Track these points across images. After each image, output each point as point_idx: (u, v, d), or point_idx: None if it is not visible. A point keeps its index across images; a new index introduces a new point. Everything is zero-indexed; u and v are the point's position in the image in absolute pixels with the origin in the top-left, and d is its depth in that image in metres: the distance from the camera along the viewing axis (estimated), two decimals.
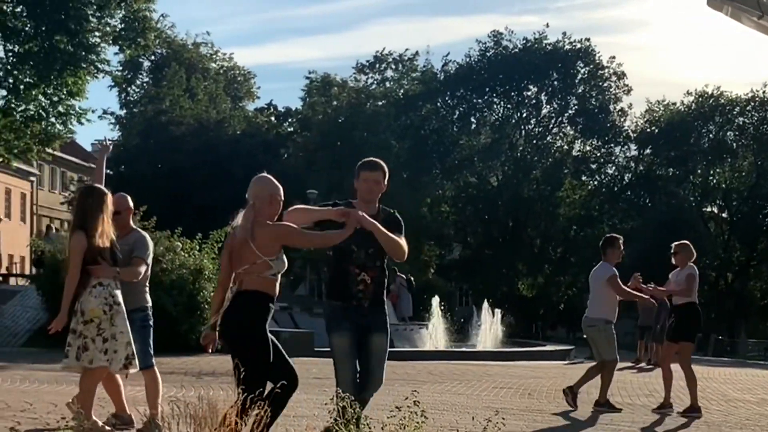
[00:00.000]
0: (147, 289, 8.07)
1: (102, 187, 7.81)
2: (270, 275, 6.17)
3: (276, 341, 6.30)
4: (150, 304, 8.08)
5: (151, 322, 8.02)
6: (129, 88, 57.65)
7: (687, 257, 11.57)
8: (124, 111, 57.10)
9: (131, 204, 8.17)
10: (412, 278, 30.55)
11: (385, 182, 6.60)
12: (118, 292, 7.61)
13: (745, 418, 11.01)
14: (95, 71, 30.62)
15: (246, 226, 6.15)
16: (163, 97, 48.84)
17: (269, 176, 6.46)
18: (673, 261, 11.66)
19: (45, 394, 10.68)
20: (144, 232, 8.26)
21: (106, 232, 7.64)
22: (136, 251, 7.88)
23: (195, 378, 13.00)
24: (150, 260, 8.03)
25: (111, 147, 8.30)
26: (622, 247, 11.56)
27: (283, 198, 6.41)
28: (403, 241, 6.41)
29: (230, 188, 41.57)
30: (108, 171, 38.49)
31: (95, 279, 7.54)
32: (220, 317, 6.24)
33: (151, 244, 8.11)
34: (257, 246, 6.10)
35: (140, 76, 58.31)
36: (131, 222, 8.21)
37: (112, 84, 53.70)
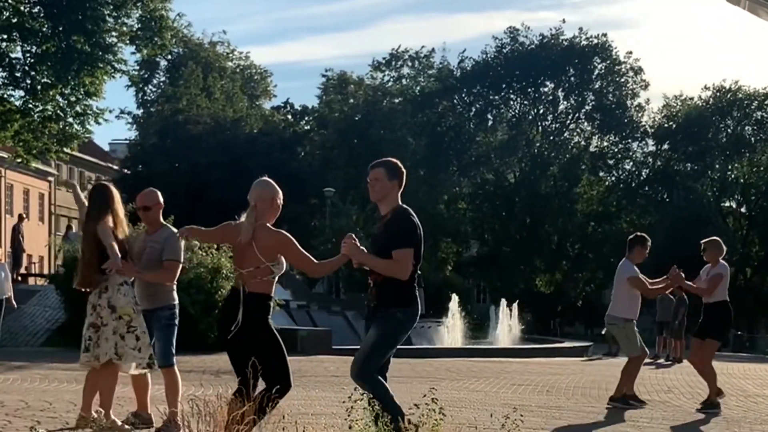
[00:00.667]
0: (175, 287, 7.96)
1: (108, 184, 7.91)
2: (271, 278, 6.34)
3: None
4: (177, 302, 7.96)
5: (176, 321, 7.93)
6: (146, 88, 57.81)
7: (717, 253, 11.51)
8: (141, 110, 57.27)
9: (161, 199, 7.96)
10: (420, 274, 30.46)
11: (394, 179, 6.50)
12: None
13: (765, 414, 10.96)
14: (112, 71, 30.67)
15: (249, 229, 6.30)
16: (179, 97, 48.96)
17: (270, 180, 6.61)
18: (704, 257, 11.60)
19: (64, 393, 10.73)
20: (174, 229, 7.95)
21: (124, 229, 7.74)
22: (167, 251, 7.73)
23: (213, 376, 13.02)
24: (182, 258, 7.95)
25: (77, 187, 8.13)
26: (648, 248, 11.50)
27: (282, 202, 6.55)
28: (396, 261, 6.30)
29: (247, 187, 41.61)
30: (125, 171, 38.53)
31: (120, 277, 7.59)
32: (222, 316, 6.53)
33: (182, 241, 7.94)
34: (258, 249, 6.25)
35: (157, 76, 58.46)
36: (161, 218, 8.03)
37: (129, 84, 53.96)
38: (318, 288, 50.00)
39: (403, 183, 6.58)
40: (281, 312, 22.67)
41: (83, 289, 7.72)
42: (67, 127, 30.73)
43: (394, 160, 6.72)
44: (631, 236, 11.78)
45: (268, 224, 6.38)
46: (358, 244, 6.31)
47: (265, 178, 6.64)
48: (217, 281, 18.58)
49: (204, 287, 17.98)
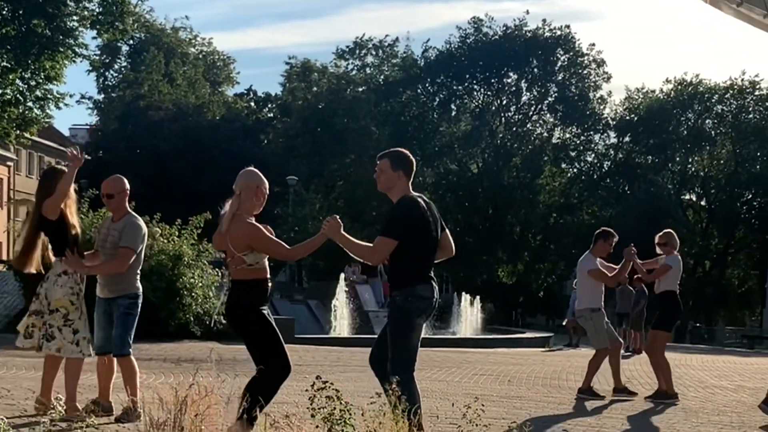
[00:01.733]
0: (138, 276, 7.82)
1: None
2: (247, 266, 6.32)
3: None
4: (140, 292, 7.81)
5: (137, 311, 7.77)
6: (107, 73, 57.33)
7: (672, 246, 11.60)
8: (102, 95, 56.80)
9: (127, 186, 7.80)
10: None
11: (398, 169, 6.50)
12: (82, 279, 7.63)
13: (722, 405, 11.07)
14: (73, 55, 30.40)
15: (227, 219, 6.34)
16: (141, 82, 48.57)
17: (255, 169, 6.60)
18: (658, 251, 11.68)
19: (23, 380, 10.61)
20: (137, 217, 7.85)
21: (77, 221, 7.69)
22: (123, 238, 7.59)
23: (174, 364, 12.94)
24: (141, 247, 7.77)
25: (83, 160, 7.76)
26: (613, 245, 11.56)
27: (267, 192, 6.55)
28: (371, 246, 6.36)
29: (210, 173, 41.51)
30: (86, 156, 38.22)
31: (61, 266, 7.50)
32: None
33: (143, 230, 7.81)
34: (230, 240, 6.30)
35: (118, 61, 57.98)
36: (126, 206, 7.84)
37: (90, 68, 53.39)
38: (281, 277, 49.89)
39: (412, 172, 6.54)
40: None
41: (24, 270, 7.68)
42: (26, 112, 30.44)
43: (401, 149, 6.72)
44: (597, 230, 11.88)
45: (244, 215, 6.37)
46: (341, 224, 6.32)
47: (251, 167, 6.65)
48: (178, 268, 18.45)
49: (165, 274, 17.85)
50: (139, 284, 7.85)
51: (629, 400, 11.17)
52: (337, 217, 6.43)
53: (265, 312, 6.43)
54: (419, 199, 6.45)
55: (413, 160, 6.64)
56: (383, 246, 6.31)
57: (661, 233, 11.86)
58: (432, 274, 6.49)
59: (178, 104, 46.13)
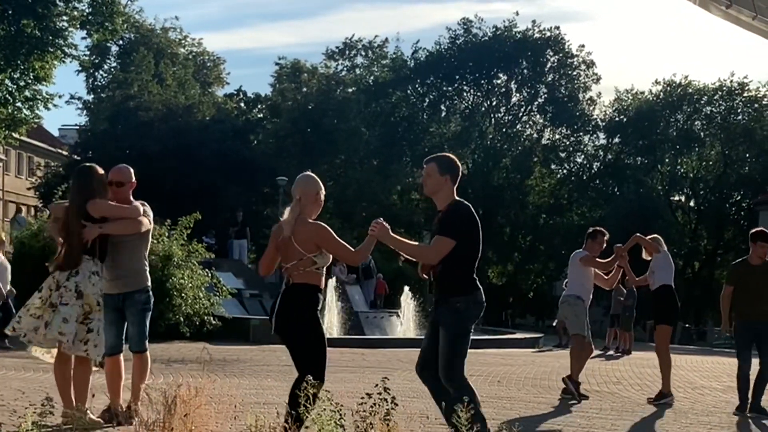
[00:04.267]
0: (147, 269, 7.78)
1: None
2: (315, 269, 6.41)
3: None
4: (150, 285, 7.75)
5: (151, 305, 7.72)
6: (96, 73, 57.10)
7: (657, 245, 11.64)
8: (92, 96, 56.53)
9: (134, 178, 7.89)
10: (372, 264, 30.43)
11: (446, 173, 6.54)
12: None
13: (711, 406, 11.11)
14: (62, 56, 30.32)
15: (291, 223, 6.40)
16: (131, 83, 48.40)
17: (313, 174, 6.72)
18: (644, 255, 11.73)
19: (11, 381, 10.59)
20: (143, 203, 7.85)
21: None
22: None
23: (164, 365, 12.93)
24: (150, 228, 7.73)
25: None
26: (604, 243, 11.60)
27: (324, 197, 6.67)
28: (428, 246, 6.44)
29: (199, 174, 41.40)
30: (75, 156, 37.80)
31: (95, 265, 7.48)
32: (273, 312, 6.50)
33: (150, 212, 7.80)
34: (298, 242, 6.35)
35: (108, 61, 57.75)
36: (131, 198, 7.83)
37: (80, 69, 53.27)
38: (271, 278, 49.79)
39: (458, 176, 6.63)
40: (233, 301, 22.56)
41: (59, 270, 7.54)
42: (15, 112, 30.34)
43: (449, 154, 6.85)
44: (588, 230, 11.93)
45: (309, 218, 6.47)
46: (388, 227, 6.38)
47: (309, 172, 6.74)
48: (168, 269, 18.45)
49: (155, 275, 17.79)
50: (149, 276, 7.77)
51: (572, 398, 11.04)
52: (382, 219, 6.49)
53: (319, 318, 6.52)
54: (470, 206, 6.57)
55: (460, 165, 6.73)
56: (444, 245, 6.37)
57: (650, 237, 11.90)
58: None
59: (167, 105, 45.96)
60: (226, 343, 17.87)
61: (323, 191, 6.62)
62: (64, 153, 53.74)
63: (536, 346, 24.34)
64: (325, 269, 6.53)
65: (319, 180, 6.66)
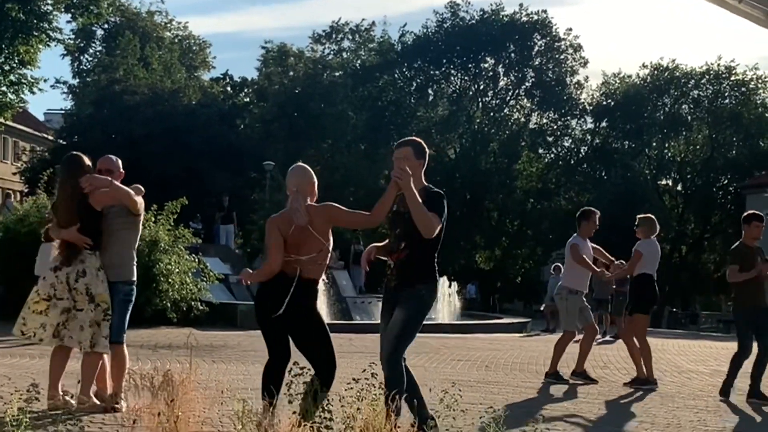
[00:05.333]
0: (135, 263, 7.73)
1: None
2: (326, 262, 6.44)
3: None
4: (135, 279, 7.70)
5: (133, 298, 7.68)
6: (82, 57, 56.87)
7: (648, 231, 11.57)
8: (77, 80, 56.31)
9: (122, 168, 7.84)
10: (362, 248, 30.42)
11: (421, 158, 6.53)
12: None
13: (698, 390, 11.14)
14: (47, 39, 30.18)
15: (303, 212, 6.29)
16: (116, 66, 48.15)
17: (306, 165, 6.68)
18: (637, 233, 11.69)
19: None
20: (137, 186, 7.90)
21: None
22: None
23: (151, 351, 12.89)
24: (142, 207, 7.71)
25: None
26: (597, 222, 11.59)
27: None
28: (432, 217, 6.28)
29: (186, 159, 41.26)
30: (61, 141, 37.56)
31: (97, 260, 7.41)
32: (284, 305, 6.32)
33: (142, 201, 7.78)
34: (316, 228, 6.28)
35: (93, 45, 57.52)
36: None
37: (65, 53, 53.02)
38: (257, 263, 49.75)
39: (426, 163, 6.60)
40: (220, 286, 22.50)
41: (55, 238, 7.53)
42: (0, 97, 30.15)
43: (419, 139, 6.73)
44: (578, 212, 11.91)
45: (314, 205, 6.45)
46: (411, 175, 6.23)
47: (301, 163, 6.72)
48: (154, 254, 18.38)
49: (141, 260, 17.73)
50: (135, 270, 7.71)
51: (587, 384, 11.14)
52: (408, 168, 6.28)
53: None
54: None
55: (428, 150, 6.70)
56: (438, 224, 6.33)
57: (641, 216, 11.86)
58: None
59: (153, 89, 45.75)
60: (213, 328, 17.84)
61: (316, 181, 6.58)
62: (50, 138, 53.48)
63: (524, 331, 24.39)
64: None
65: (312, 171, 6.63)
